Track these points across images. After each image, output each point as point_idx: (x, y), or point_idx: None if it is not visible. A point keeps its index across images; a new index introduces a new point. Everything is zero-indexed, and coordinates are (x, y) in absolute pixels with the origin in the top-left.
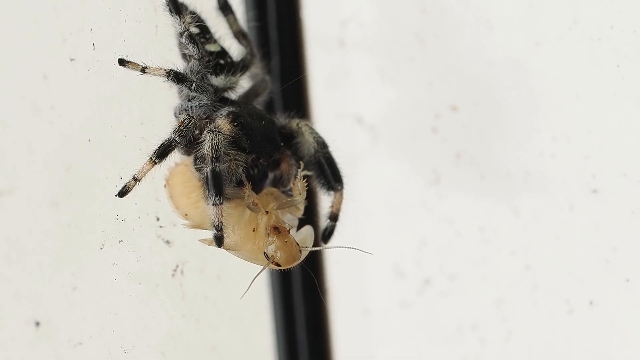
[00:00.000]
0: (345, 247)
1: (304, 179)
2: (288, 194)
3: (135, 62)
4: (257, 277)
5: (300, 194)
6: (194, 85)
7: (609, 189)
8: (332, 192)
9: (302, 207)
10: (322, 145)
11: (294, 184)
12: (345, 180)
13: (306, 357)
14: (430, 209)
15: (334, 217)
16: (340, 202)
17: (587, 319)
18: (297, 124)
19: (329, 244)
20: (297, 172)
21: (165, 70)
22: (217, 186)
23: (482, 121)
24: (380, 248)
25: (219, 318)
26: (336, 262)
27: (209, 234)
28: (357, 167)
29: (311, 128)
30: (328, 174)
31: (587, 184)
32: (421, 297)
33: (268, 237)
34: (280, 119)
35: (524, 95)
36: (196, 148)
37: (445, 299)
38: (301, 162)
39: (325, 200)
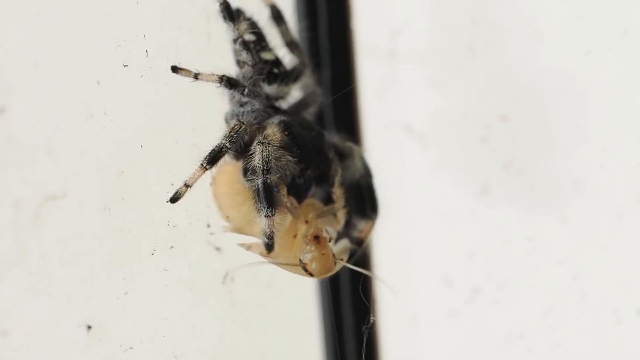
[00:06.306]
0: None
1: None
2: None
3: (188, 69)
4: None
5: (339, 201)
6: (246, 90)
7: None
8: (364, 220)
9: (342, 219)
10: (368, 173)
11: (334, 190)
12: (380, 212)
13: None
14: (479, 219)
15: (359, 243)
16: (369, 231)
17: (635, 328)
18: (350, 147)
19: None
20: (339, 175)
21: (218, 75)
22: (268, 198)
23: (531, 131)
24: (429, 257)
25: (268, 325)
26: (385, 271)
27: (249, 238)
28: (406, 176)
29: (362, 154)
30: (366, 200)
31: (636, 194)
32: (470, 306)
33: (307, 245)
34: (334, 138)
35: (573, 105)
36: (246, 159)
37: (494, 308)
38: (339, 170)
39: None
